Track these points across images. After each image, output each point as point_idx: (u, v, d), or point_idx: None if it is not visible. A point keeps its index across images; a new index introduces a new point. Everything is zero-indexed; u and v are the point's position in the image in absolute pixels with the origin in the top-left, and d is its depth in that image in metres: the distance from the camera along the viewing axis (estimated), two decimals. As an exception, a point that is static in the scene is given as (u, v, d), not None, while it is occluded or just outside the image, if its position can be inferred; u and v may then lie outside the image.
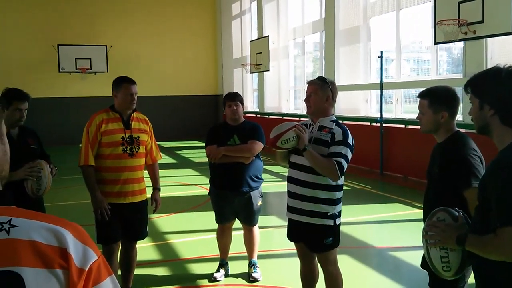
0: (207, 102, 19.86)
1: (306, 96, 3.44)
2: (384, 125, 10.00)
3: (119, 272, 3.99)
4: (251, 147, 4.30)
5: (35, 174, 3.32)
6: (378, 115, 10.16)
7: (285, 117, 14.70)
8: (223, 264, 4.64)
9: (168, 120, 18.64)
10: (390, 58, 10.94)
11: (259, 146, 4.33)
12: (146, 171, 4.02)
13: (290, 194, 3.40)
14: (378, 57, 9.68)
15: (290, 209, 3.42)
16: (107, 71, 17.13)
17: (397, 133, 9.81)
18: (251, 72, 16.51)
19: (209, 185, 4.58)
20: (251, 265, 4.61)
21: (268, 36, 15.04)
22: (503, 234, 1.67)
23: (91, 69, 16.97)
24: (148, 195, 4.01)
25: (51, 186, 3.54)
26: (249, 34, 17.63)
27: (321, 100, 3.34)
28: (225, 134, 4.40)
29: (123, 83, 3.77)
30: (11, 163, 3.53)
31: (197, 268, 4.86)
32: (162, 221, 6.72)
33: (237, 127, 4.44)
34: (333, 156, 3.19)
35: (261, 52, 15.29)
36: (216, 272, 4.57)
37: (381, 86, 9.84)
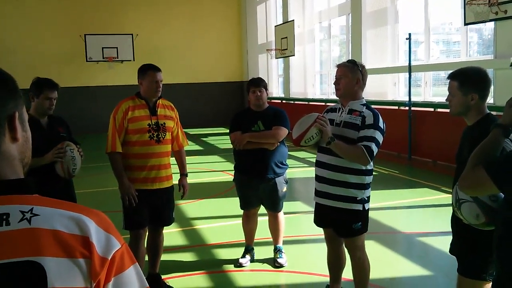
0: (233, 89, 19.86)
1: (335, 79, 3.38)
2: (412, 108, 9.80)
3: (146, 258, 4.05)
4: (275, 133, 4.27)
5: (62, 155, 3.38)
6: (407, 99, 9.96)
7: (311, 102, 14.60)
8: (248, 250, 4.66)
9: (194, 107, 18.74)
10: (419, 40, 10.68)
11: (284, 132, 4.30)
12: (173, 158, 4.05)
13: (318, 178, 3.37)
14: (406, 39, 9.45)
15: (317, 193, 3.40)
16: (134, 60, 17.26)
17: (426, 116, 9.61)
18: (276, 58, 16.40)
19: (234, 171, 4.58)
20: (277, 250, 4.61)
21: (293, 20, 14.88)
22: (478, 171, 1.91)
23: (117, 58, 17.13)
24: (175, 181, 4.04)
25: (80, 169, 3.60)
26: (274, 18, 17.47)
27: (351, 83, 3.28)
28: (249, 120, 4.38)
29: (148, 70, 3.78)
30: (42, 150, 3.57)
31: (223, 254, 4.89)
32: (188, 207, 6.79)
33: (261, 113, 4.41)
34: (364, 140, 3.14)
35: (286, 37, 15.15)
36: (241, 257, 4.59)
37: (409, 69, 9.63)
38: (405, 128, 9.90)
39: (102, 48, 16.92)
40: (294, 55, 14.93)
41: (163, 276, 4.14)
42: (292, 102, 15.66)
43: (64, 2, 17.55)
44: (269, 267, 4.52)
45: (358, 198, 3.25)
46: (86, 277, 0.94)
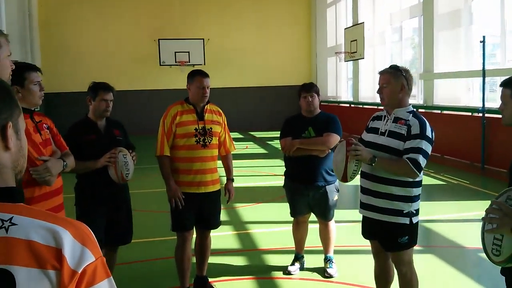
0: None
1: (378, 87, 3.25)
2: (486, 115, 9.22)
3: (194, 260, 4.11)
4: (326, 139, 4.18)
5: (114, 160, 3.48)
6: (481, 105, 9.39)
7: (380, 107, 14.18)
8: (298, 258, 4.59)
9: (262, 111, 18.88)
10: (495, 43, 10.03)
11: (335, 138, 4.19)
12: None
13: (363, 190, 3.26)
14: (480, 42, 8.91)
15: (362, 205, 3.28)
16: (204, 64, 17.69)
17: (501, 124, 8.98)
18: (345, 61, 16.12)
19: (284, 177, 4.54)
20: (327, 260, 4.51)
21: (363, 22, 14.55)
22: None
23: (189, 62, 17.64)
24: (223, 186, 4.07)
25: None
26: (344, 21, 17.18)
27: (395, 91, 3.13)
28: (300, 126, 4.32)
29: (196, 76, 3.84)
30: (97, 153, 3.68)
31: (273, 260, 4.85)
32: (245, 210, 6.82)
33: (312, 119, 4.34)
34: (410, 152, 2.99)
35: (356, 40, 14.84)
36: (291, 265, 4.53)
37: (483, 73, 9.06)
38: (479, 136, 9.33)
39: (175, 52, 17.50)
40: (363, 58, 14.59)
41: (210, 279, 4.17)
42: (361, 106, 15.31)
43: (139, 8, 18.38)
44: (319, 277, 4.43)
45: (404, 212, 3.09)
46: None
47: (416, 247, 5.05)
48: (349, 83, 17.70)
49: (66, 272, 0.96)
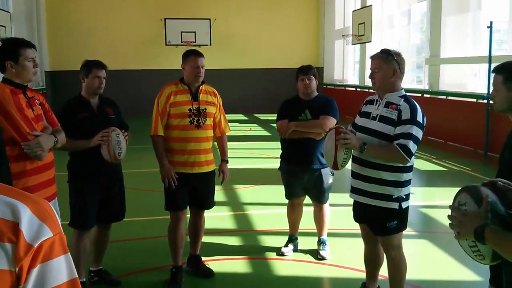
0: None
1: (370, 71, 3.22)
2: (491, 102, 9.12)
3: (188, 239, 4.15)
4: (322, 122, 4.16)
5: (107, 139, 3.49)
6: (486, 91, 9.29)
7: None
8: (292, 239, 4.61)
9: (267, 93, 18.78)
10: (503, 29, 9.87)
11: (331, 121, 4.18)
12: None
13: (353, 174, 3.27)
14: (488, 27, 8.77)
15: (353, 189, 3.29)
16: (210, 44, 17.61)
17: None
18: (352, 44, 15.97)
19: (280, 159, 4.54)
20: (320, 242, 4.54)
21: (371, 5, 14.35)
22: None
23: (195, 42, 17.53)
24: (217, 166, 4.08)
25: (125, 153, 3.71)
26: (353, 3, 16.97)
27: (386, 75, 3.10)
28: (296, 108, 4.31)
29: (190, 55, 3.82)
30: (90, 131, 3.70)
31: (267, 241, 4.89)
32: (245, 191, 6.86)
33: (309, 102, 4.32)
34: (400, 138, 2.98)
35: (364, 23, 14.66)
36: (284, 246, 4.56)
37: (490, 59, 8.94)
38: (483, 123, 9.25)
39: (181, 32, 17.40)
40: (370, 42, 14.43)
41: (203, 258, 4.21)
42: (367, 90, 15.19)
43: (146, -12, 18.24)
44: (312, 259, 4.46)
45: (394, 196, 3.10)
46: (11, 261, 0.97)
47: (413, 232, 5.10)
48: (356, 67, 17.56)
49: (22, 246, 0.97)
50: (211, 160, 3.99)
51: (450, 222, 1.78)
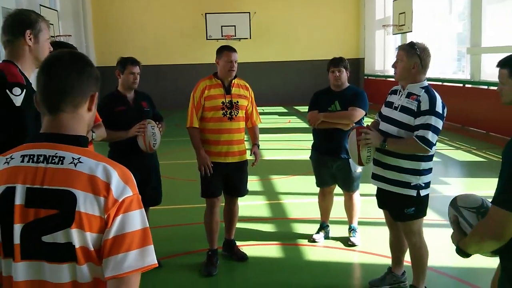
0: (350, 65, 19.38)
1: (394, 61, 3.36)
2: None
3: (223, 225, 4.39)
4: (350, 113, 4.29)
5: (142, 131, 3.79)
6: (529, 80, 9.05)
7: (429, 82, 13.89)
8: (323, 227, 4.78)
9: (307, 85, 18.79)
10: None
11: (359, 113, 4.30)
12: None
13: (374, 161, 3.41)
14: (531, 14, 8.54)
15: (373, 176, 3.44)
16: (250, 37, 17.82)
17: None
18: (393, 34, 15.77)
19: (311, 149, 4.70)
20: (350, 230, 4.68)
21: (411, -5, 14.13)
22: (491, 215, 1.56)
23: (235, 36, 17.79)
24: (249, 157, 4.30)
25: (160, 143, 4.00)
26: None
27: (407, 67, 3.22)
28: (327, 100, 4.46)
29: (223, 51, 4.04)
30: (127, 123, 4.00)
31: (300, 228, 5.08)
32: (281, 181, 7.06)
33: (339, 93, 4.46)
34: (420, 128, 3.09)
35: (404, 12, 14.47)
36: (316, 233, 4.74)
37: (533, 47, 8.72)
38: (525, 113, 9.03)
39: (221, 26, 17.68)
40: (411, 31, 14.23)
41: (238, 243, 4.45)
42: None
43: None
44: (342, 245, 4.61)
45: (412, 184, 3.21)
46: (102, 210, 1.35)
47: (444, 222, 5.15)
48: (396, 57, 17.29)
49: (110, 200, 1.35)
50: (243, 150, 4.21)
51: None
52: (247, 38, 17.85)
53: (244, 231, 4.90)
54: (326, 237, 4.76)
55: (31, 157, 1.39)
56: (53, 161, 1.37)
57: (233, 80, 4.11)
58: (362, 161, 3.37)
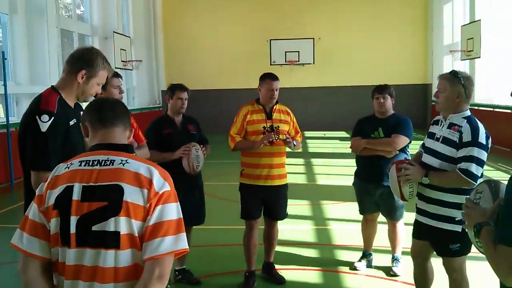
0: (415, 92, 18.99)
1: (436, 91, 3.27)
2: None
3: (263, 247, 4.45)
4: (392, 141, 4.25)
5: (187, 153, 3.97)
6: None
7: (496, 109, 13.28)
8: (365, 255, 4.71)
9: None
10: None
11: (402, 140, 4.25)
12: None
13: (418, 195, 3.30)
14: None
15: (418, 210, 3.33)
16: (313, 63, 17.96)
17: None
18: (461, 59, 15.28)
19: (354, 176, 4.68)
20: (393, 259, 4.58)
21: (480, 20, 13.70)
22: (499, 252, 1.51)
23: (299, 61, 18.01)
24: (289, 181, 4.36)
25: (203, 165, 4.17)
26: (462, 17, 16.27)
27: (450, 97, 3.11)
28: (370, 126, 4.45)
29: (266, 79, 4.17)
30: (174, 145, 4.24)
31: (342, 255, 5.03)
32: (332, 207, 7.02)
33: (383, 120, 4.43)
34: (462, 161, 2.99)
35: (472, 38, 14.02)
36: (358, 261, 4.67)
37: None
38: None
39: (285, 52, 17.98)
40: (479, 57, 13.74)
41: (277, 266, 4.49)
42: (476, 107, 14.42)
43: (253, 9, 19.13)
44: (384, 275, 4.52)
45: (456, 219, 3.05)
46: (145, 200, 1.64)
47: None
48: (465, 83, 16.70)
49: (152, 192, 1.65)
50: (283, 174, 4.28)
51: (463, 211, 1.87)
52: (310, 63, 18.01)
53: (285, 255, 4.93)
54: (369, 265, 4.68)
55: (87, 162, 1.71)
56: (105, 164, 1.69)
57: (275, 106, 4.23)
58: (405, 197, 3.29)
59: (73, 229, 1.61)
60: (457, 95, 3.10)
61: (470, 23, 14.59)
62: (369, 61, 18.88)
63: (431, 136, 3.30)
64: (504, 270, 1.50)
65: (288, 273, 4.51)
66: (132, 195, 1.61)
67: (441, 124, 3.24)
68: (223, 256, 5.07)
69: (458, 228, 3.05)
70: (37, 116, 2.45)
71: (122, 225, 1.59)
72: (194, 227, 4.38)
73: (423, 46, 19.21)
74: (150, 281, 1.56)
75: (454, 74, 3.16)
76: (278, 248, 4.66)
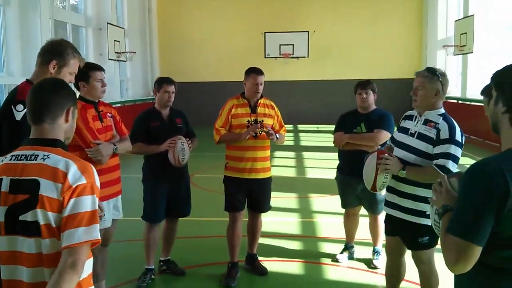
0: (409, 86, 18.76)
1: (413, 88, 3.28)
2: None
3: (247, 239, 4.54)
4: (374, 136, 4.33)
5: (172, 146, 4.03)
6: None
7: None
8: (347, 247, 4.81)
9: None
10: None
11: (384, 135, 4.32)
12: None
13: (388, 189, 3.37)
14: None
15: (387, 203, 3.40)
16: (308, 56, 17.97)
17: None
18: (454, 54, 15.36)
19: (336, 170, 4.76)
20: (374, 252, 4.68)
21: (473, 15, 13.75)
22: (447, 240, 1.59)
23: (293, 54, 18.02)
24: (279, 173, 4.43)
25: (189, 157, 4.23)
26: (456, 12, 16.33)
27: (428, 95, 3.15)
28: (353, 121, 4.52)
29: (251, 73, 4.24)
30: (160, 138, 4.30)
31: (324, 247, 5.13)
32: (318, 200, 7.11)
33: (365, 115, 4.51)
34: (439, 157, 3.04)
35: (466, 33, 14.09)
36: (340, 253, 4.77)
37: None
38: None
39: (280, 45, 17.98)
40: (472, 52, 13.82)
41: (260, 258, 4.58)
42: (468, 103, 14.53)
43: (248, 2, 19.10)
44: (365, 267, 4.62)
45: (427, 213, 3.09)
46: (59, 194, 1.74)
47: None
48: (458, 79, 16.80)
49: (66, 186, 1.75)
50: (267, 167, 4.36)
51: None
52: (304, 57, 18.03)
53: (268, 247, 5.02)
54: (350, 257, 4.78)
55: (17, 156, 1.83)
56: (30, 159, 1.80)
57: (259, 100, 4.30)
58: (376, 186, 3.33)
59: (1, 218, 1.78)
60: (436, 92, 3.15)
61: (463, 18, 14.65)
62: (363, 54, 18.90)
63: (404, 131, 3.32)
64: (450, 258, 1.58)
65: (271, 264, 4.61)
66: (47, 189, 1.73)
67: (415, 120, 3.27)
68: (207, 248, 5.16)
69: (428, 222, 3.05)
70: (12, 106, 2.57)
71: (40, 216, 1.73)
72: (180, 219, 4.47)
73: (417, 40, 19.24)
74: (63, 269, 1.67)
75: (432, 72, 3.18)
76: (261, 240, 4.76)
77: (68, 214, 1.72)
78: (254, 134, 4.15)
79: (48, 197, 1.73)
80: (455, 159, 3.04)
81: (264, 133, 4.20)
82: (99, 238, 1.76)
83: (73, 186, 1.74)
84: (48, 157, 1.79)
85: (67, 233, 1.71)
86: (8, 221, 1.78)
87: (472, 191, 1.58)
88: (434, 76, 3.15)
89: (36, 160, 1.80)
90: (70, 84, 2.76)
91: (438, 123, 3.13)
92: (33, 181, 1.76)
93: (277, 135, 4.23)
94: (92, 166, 1.85)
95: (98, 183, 1.84)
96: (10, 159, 1.84)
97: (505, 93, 1.67)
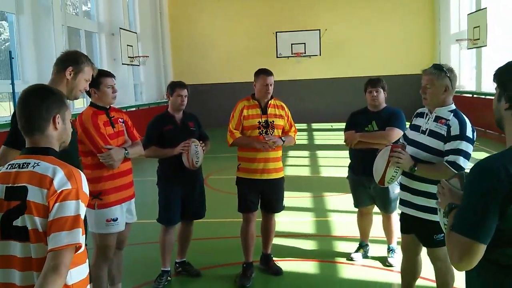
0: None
1: (422, 87, 3.24)
2: None
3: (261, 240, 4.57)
4: (386, 134, 4.32)
5: (186, 149, 4.08)
6: None
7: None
8: (362, 246, 4.81)
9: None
10: None
11: (396, 133, 4.31)
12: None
13: (402, 187, 3.36)
14: None
15: (401, 201, 3.40)
16: (320, 54, 17.94)
17: None
18: (467, 48, 15.20)
19: (348, 169, 4.76)
20: (389, 250, 4.68)
21: (486, 8, 13.60)
22: (452, 238, 1.60)
23: (305, 53, 18.00)
24: (293, 173, 4.45)
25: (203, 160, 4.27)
26: (468, 6, 16.15)
27: (438, 92, 3.14)
28: (364, 120, 4.51)
29: (260, 74, 4.27)
30: (174, 141, 4.36)
31: (339, 246, 5.13)
32: (333, 198, 7.11)
33: (376, 113, 4.50)
34: (450, 154, 3.03)
35: (479, 26, 13.93)
36: (354, 252, 4.78)
37: None
38: None
39: (291, 44, 17.98)
40: (485, 46, 13.66)
41: (275, 258, 4.61)
42: (483, 97, 14.35)
43: (259, 2, 19.14)
44: (380, 265, 4.62)
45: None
46: (45, 199, 1.81)
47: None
48: (473, 72, 16.62)
49: (51, 191, 1.81)
50: (280, 167, 4.39)
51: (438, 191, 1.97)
52: (316, 55, 18.01)
53: (283, 247, 5.05)
54: (365, 256, 4.78)
55: (13, 165, 1.93)
56: (23, 167, 1.90)
57: (270, 101, 4.32)
58: (385, 179, 3.31)
59: None
60: (445, 88, 3.13)
61: (476, 11, 14.48)
62: (376, 51, 18.80)
63: (416, 128, 3.32)
64: (454, 255, 1.60)
65: (286, 264, 4.63)
66: (34, 194, 1.81)
67: (426, 117, 3.26)
68: (222, 249, 5.20)
69: None
70: None
71: (27, 221, 1.81)
72: (195, 221, 4.51)
73: (430, 35, 19.07)
74: (47, 272, 1.73)
75: (439, 68, 3.17)
76: (276, 240, 4.79)
77: (52, 218, 1.79)
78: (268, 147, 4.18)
79: (35, 202, 1.81)
80: (466, 155, 3.02)
81: (275, 135, 4.24)
82: (81, 242, 1.80)
83: (58, 191, 1.80)
84: (38, 165, 1.87)
85: (51, 236, 1.77)
86: (3, 227, 1.86)
87: (477, 188, 1.59)
88: (442, 73, 3.13)
89: (27, 168, 1.88)
90: (77, 87, 2.87)
91: (449, 120, 3.11)
92: (23, 187, 1.84)
93: (283, 138, 4.27)
94: (80, 172, 1.91)
95: (86, 189, 1.89)
96: (7, 168, 1.93)
97: (507, 90, 1.67)
